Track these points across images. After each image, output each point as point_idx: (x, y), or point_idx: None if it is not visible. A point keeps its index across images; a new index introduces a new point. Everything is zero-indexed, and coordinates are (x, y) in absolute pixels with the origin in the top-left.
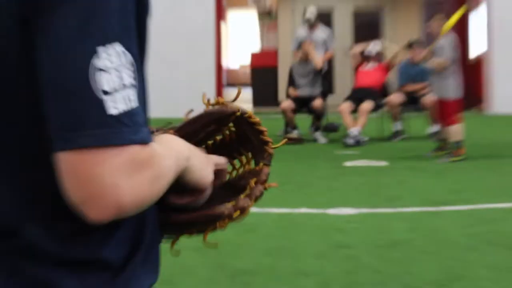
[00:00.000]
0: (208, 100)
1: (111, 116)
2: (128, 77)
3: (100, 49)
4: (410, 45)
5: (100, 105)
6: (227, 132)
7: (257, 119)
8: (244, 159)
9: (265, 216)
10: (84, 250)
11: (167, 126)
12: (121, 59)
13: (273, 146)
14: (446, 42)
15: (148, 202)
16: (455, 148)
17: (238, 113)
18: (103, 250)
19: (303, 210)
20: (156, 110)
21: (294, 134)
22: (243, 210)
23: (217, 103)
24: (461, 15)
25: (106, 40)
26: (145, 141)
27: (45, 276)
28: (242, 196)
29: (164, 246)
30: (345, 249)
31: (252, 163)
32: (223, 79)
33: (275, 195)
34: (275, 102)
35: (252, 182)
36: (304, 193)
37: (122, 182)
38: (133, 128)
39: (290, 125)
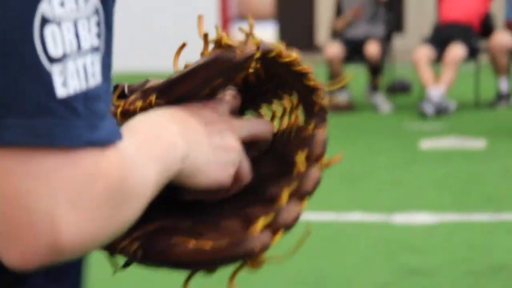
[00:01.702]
0: (206, 35)
1: (57, 98)
2: (88, 35)
3: None
4: None
5: (42, 80)
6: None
7: (293, 55)
8: (287, 103)
9: (299, 225)
10: None
11: (145, 86)
12: (79, 3)
13: (325, 95)
14: None
15: (104, 239)
16: None
17: (258, 54)
18: None
19: (356, 216)
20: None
21: (343, 97)
22: (289, 226)
23: (220, 41)
24: None
25: None
26: (107, 142)
27: None
28: (284, 199)
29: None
30: (419, 277)
31: (300, 113)
32: (231, 10)
33: (314, 193)
34: (310, 45)
35: (301, 164)
36: (357, 190)
37: (65, 209)
38: (89, 119)
39: (337, 82)
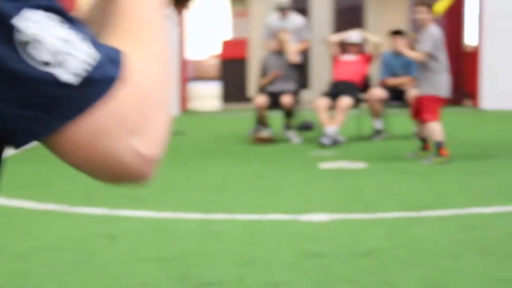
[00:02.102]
0: None
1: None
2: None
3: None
4: (392, 34)
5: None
6: None
7: None
8: None
9: (232, 223)
10: None
11: None
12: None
13: None
14: (428, 34)
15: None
16: (437, 149)
17: None
18: None
19: (273, 216)
20: None
21: (266, 133)
22: None
23: None
24: (451, 2)
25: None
26: (118, 76)
27: None
28: None
29: (121, 256)
30: (317, 258)
31: None
32: (189, 73)
33: (242, 200)
34: (244, 97)
35: None
36: (274, 198)
37: (136, 140)
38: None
39: (261, 123)
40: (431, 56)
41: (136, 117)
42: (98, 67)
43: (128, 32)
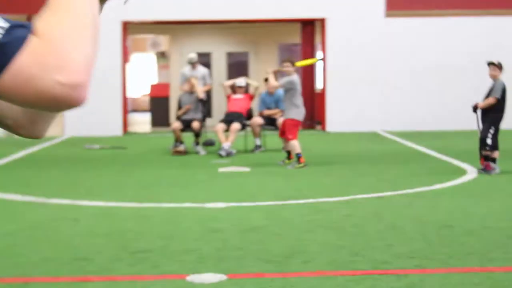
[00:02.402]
0: None
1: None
2: None
3: None
4: (266, 80)
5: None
6: None
7: None
8: None
9: (158, 209)
10: None
11: None
12: None
13: None
14: (289, 79)
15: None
16: (297, 158)
17: None
18: None
19: (187, 204)
20: (74, 129)
21: (181, 147)
22: None
23: None
24: (313, 62)
25: None
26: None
27: None
28: None
29: (81, 233)
30: (217, 233)
31: None
32: (128, 106)
33: (166, 194)
34: (167, 123)
35: None
36: (188, 192)
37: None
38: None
39: (178, 141)
40: (288, 88)
41: (53, 59)
42: (7, 33)
43: (49, 4)
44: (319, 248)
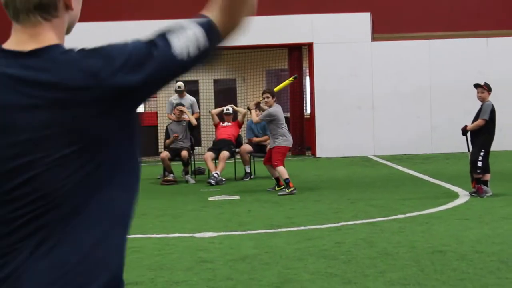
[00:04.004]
0: None
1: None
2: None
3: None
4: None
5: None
6: None
7: None
8: None
9: (147, 240)
10: None
11: None
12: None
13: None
14: (266, 112)
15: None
16: (286, 184)
17: None
18: None
19: (176, 234)
20: None
21: (170, 177)
22: None
23: None
24: (290, 82)
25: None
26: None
27: None
28: None
29: None
30: (207, 263)
31: None
32: None
33: (155, 224)
34: (156, 152)
35: None
36: (177, 222)
37: None
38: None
39: (167, 170)
40: (270, 120)
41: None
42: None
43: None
44: (311, 277)
